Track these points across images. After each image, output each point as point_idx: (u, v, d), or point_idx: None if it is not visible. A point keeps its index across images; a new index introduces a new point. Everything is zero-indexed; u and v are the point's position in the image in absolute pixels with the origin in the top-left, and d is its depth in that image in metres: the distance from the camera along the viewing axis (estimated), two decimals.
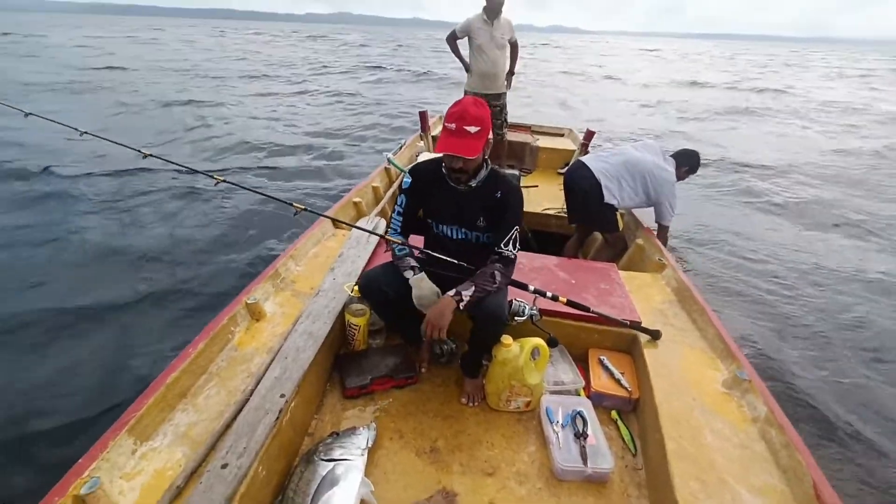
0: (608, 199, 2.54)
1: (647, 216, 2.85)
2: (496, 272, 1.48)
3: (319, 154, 6.91)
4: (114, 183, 4.97)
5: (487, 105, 1.47)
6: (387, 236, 1.65)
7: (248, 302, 1.63)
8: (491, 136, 1.48)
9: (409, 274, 1.56)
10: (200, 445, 1.17)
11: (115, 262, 3.45)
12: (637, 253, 2.60)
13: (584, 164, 2.63)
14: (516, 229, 1.53)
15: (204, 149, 6.82)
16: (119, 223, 4.10)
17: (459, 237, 1.63)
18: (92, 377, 2.34)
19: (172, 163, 2.04)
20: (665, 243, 2.65)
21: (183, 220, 4.26)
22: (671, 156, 2.71)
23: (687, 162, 2.71)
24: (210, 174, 1.88)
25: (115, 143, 2.03)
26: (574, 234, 3.03)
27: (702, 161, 2.80)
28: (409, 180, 1.62)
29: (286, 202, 1.76)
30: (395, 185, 3.39)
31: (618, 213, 2.69)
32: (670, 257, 2.33)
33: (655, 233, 2.68)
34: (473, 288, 1.43)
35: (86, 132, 2.06)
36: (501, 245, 1.52)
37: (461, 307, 1.42)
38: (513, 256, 1.54)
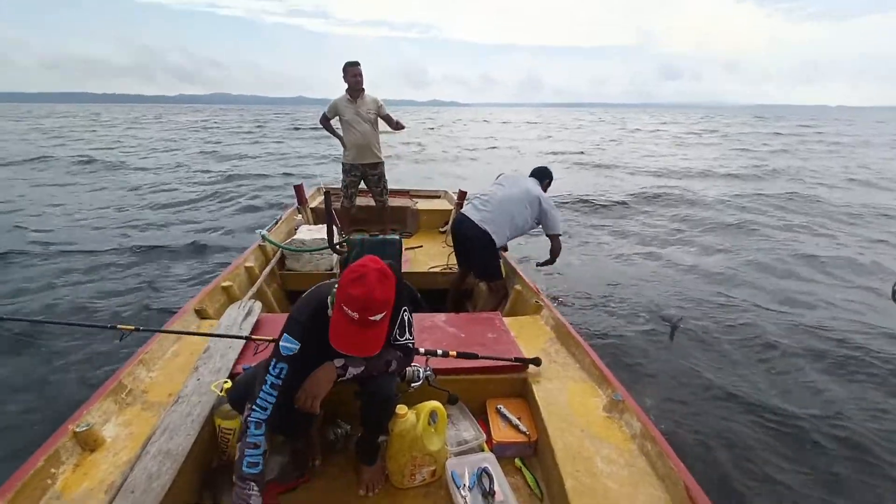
0: (499, 241, 2.74)
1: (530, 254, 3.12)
2: (392, 359, 1.39)
3: (174, 238, 6.01)
4: None
5: (390, 268, 1.22)
6: (248, 422, 1.20)
7: (77, 430, 1.30)
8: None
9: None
10: None
11: None
12: (517, 298, 2.80)
13: (465, 216, 2.82)
14: (405, 311, 1.42)
15: None
16: None
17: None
18: None
19: None
20: (559, 250, 2.92)
21: None
22: (531, 175, 3.03)
23: (545, 176, 3.06)
24: None
25: None
26: (454, 285, 3.18)
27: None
28: (296, 347, 1.24)
29: (105, 326, 1.44)
30: (274, 261, 3.20)
31: (500, 262, 2.90)
32: (546, 299, 2.54)
33: (550, 247, 2.93)
34: (363, 368, 1.34)
35: None
36: (398, 335, 1.41)
37: (342, 377, 1.31)
38: (411, 345, 1.46)
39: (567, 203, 8.56)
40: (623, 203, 8.71)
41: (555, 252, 2.95)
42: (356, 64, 3.80)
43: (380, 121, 4.04)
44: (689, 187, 10.37)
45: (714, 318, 4.04)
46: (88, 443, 1.32)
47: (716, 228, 7.07)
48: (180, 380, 1.64)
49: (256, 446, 1.19)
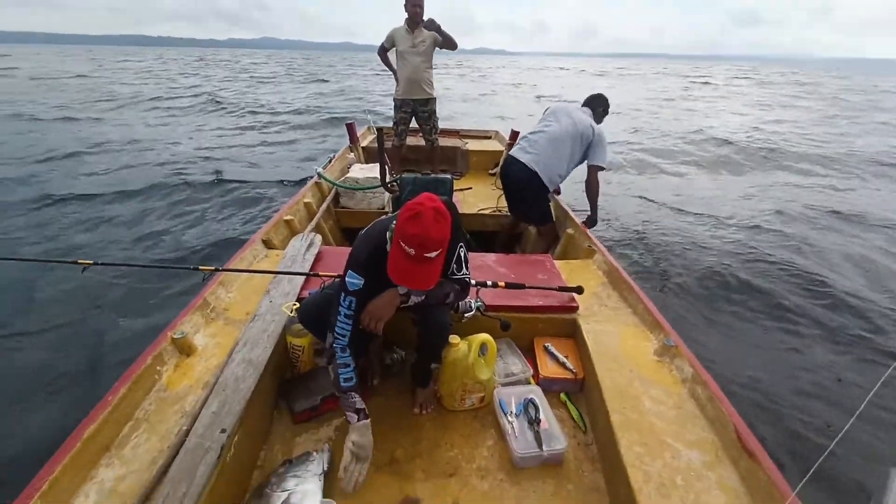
0: (550, 184, 2.65)
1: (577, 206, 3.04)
2: (451, 292, 1.45)
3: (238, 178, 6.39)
4: None
5: (445, 205, 1.25)
6: (334, 347, 1.36)
7: (175, 337, 1.50)
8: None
9: (352, 417, 1.32)
10: (131, 501, 1.06)
11: None
12: (569, 242, 2.75)
13: (514, 158, 2.71)
14: (461, 246, 1.45)
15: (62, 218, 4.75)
16: None
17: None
18: None
19: (14, 259, 1.77)
20: (596, 188, 2.70)
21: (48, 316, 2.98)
22: (583, 105, 2.80)
23: (599, 104, 2.79)
24: (72, 261, 1.61)
25: None
26: (506, 229, 3.17)
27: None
28: (360, 283, 1.34)
29: (188, 268, 1.62)
30: (329, 198, 3.32)
31: (550, 205, 2.83)
32: (599, 243, 2.49)
33: (585, 183, 2.72)
34: (423, 297, 1.41)
35: None
36: (454, 270, 1.44)
37: (404, 303, 1.40)
38: (467, 279, 1.50)
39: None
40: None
41: (591, 187, 2.70)
42: None
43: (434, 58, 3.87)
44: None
45: (784, 279, 3.79)
46: (184, 348, 1.53)
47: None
48: (255, 301, 1.81)
49: (346, 365, 1.35)
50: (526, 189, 2.70)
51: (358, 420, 1.31)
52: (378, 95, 17.21)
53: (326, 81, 24.71)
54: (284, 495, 1.23)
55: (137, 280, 3.35)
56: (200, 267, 1.57)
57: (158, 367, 1.44)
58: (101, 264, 1.60)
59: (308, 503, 1.21)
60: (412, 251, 1.18)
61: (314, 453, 1.37)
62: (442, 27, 3.74)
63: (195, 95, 15.86)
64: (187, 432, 1.21)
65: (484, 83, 25.78)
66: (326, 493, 1.27)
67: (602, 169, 2.69)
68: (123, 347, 2.69)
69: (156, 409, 1.32)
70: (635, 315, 1.90)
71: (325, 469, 1.34)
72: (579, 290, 1.90)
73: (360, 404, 1.33)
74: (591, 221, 2.78)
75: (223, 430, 1.20)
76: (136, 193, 5.58)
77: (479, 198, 3.73)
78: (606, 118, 2.88)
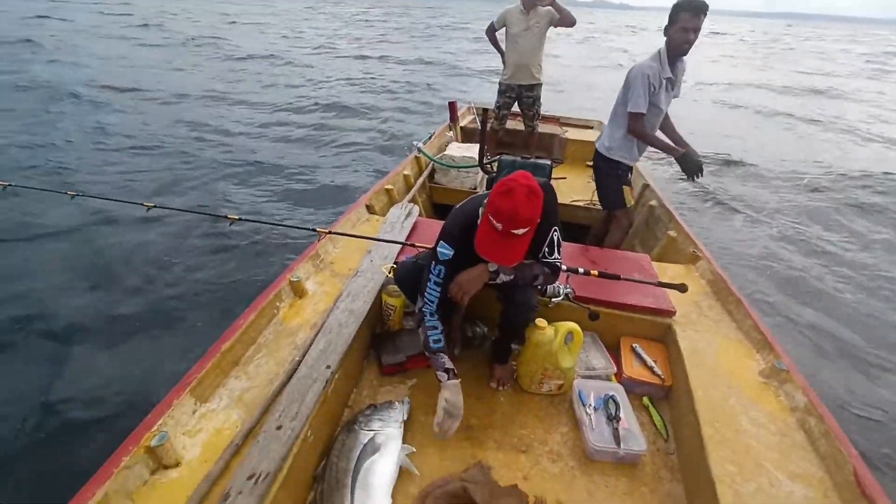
0: (605, 150, 2.55)
1: (686, 208, 2.81)
2: (539, 274, 1.44)
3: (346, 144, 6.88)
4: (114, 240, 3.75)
5: (539, 185, 1.23)
6: (423, 311, 1.45)
7: (292, 280, 1.71)
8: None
9: (442, 376, 1.38)
10: (253, 409, 1.25)
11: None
12: (670, 245, 2.58)
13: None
14: (555, 230, 1.46)
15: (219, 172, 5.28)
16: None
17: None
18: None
19: (178, 209, 2.21)
20: (640, 133, 2.32)
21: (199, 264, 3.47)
22: None
23: (670, 18, 2.15)
24: (223, 215, 1.97)
25: (115, 200, 2.27)
26: (600, 223, 3.03)
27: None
28: (451, 253, 1.40)
29: (309, 229, 1.91)
30: (426, 173, 3.44)
31: (624, 189, 2.60)
32: (705, 249, 2.29)
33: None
34: (512, 277, 1.43)
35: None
36: (546, 253, 1.46)
37: (492, 280, 1.42)
38: (559, 264, 1.49)
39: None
40: None
41: (637, 136, 2.32)
42: None
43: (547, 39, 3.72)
44: None
45: None
46: (298, 291, 1.73)
47: None
48: (357, 258, 1.98)
49: (435, 328, 1.45)
50: (599, 173, 2.68)
51: (448, 379, 1.39)
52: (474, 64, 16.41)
53: (434, 36, 24.58)
54: (371, 434, 1.36)
55: (267, 233, 3.91)
56: (318, 229, 1.83)
57: (277, 304, 1.65)
58: (244, 220, 1.92)
59: (392, 445, 1.33)
60: (500, 226, 1.20)
61: (396, 403, 1.49)
62: (558, 1, 3.54)
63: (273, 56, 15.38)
64: (299, 362, 1.38)
65: (595, 48, 23.63)
66: (404, 441, 1.38)
67: (638, 115, 2.25)
68: (251, 285, 3.24)
69: (273, 339, 1.52)
70: (740, 331, 1.75)
71: (405, 418, 1.45)
72: (682, 287, 1.75)
73: (449, 364, 1.40)
74: (684, 164, 2.27)
75: (328, 367, 1.35)
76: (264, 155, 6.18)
77: (574, 189, 3.61)
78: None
